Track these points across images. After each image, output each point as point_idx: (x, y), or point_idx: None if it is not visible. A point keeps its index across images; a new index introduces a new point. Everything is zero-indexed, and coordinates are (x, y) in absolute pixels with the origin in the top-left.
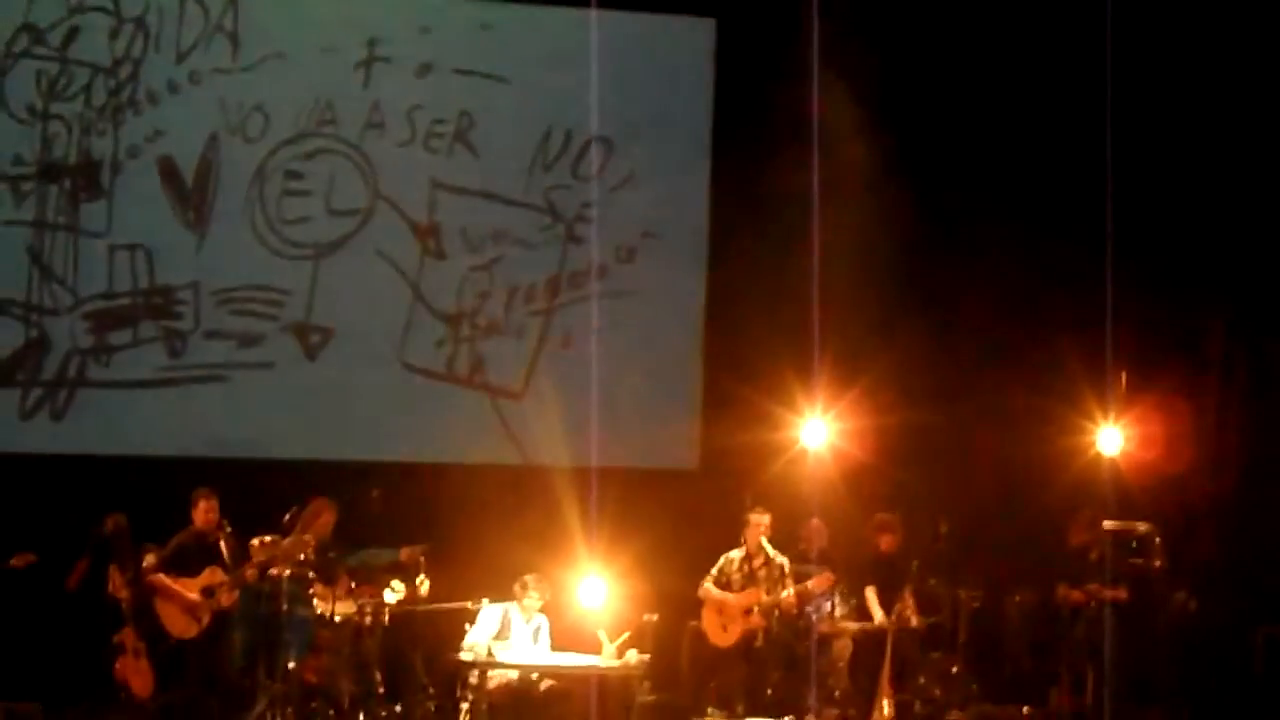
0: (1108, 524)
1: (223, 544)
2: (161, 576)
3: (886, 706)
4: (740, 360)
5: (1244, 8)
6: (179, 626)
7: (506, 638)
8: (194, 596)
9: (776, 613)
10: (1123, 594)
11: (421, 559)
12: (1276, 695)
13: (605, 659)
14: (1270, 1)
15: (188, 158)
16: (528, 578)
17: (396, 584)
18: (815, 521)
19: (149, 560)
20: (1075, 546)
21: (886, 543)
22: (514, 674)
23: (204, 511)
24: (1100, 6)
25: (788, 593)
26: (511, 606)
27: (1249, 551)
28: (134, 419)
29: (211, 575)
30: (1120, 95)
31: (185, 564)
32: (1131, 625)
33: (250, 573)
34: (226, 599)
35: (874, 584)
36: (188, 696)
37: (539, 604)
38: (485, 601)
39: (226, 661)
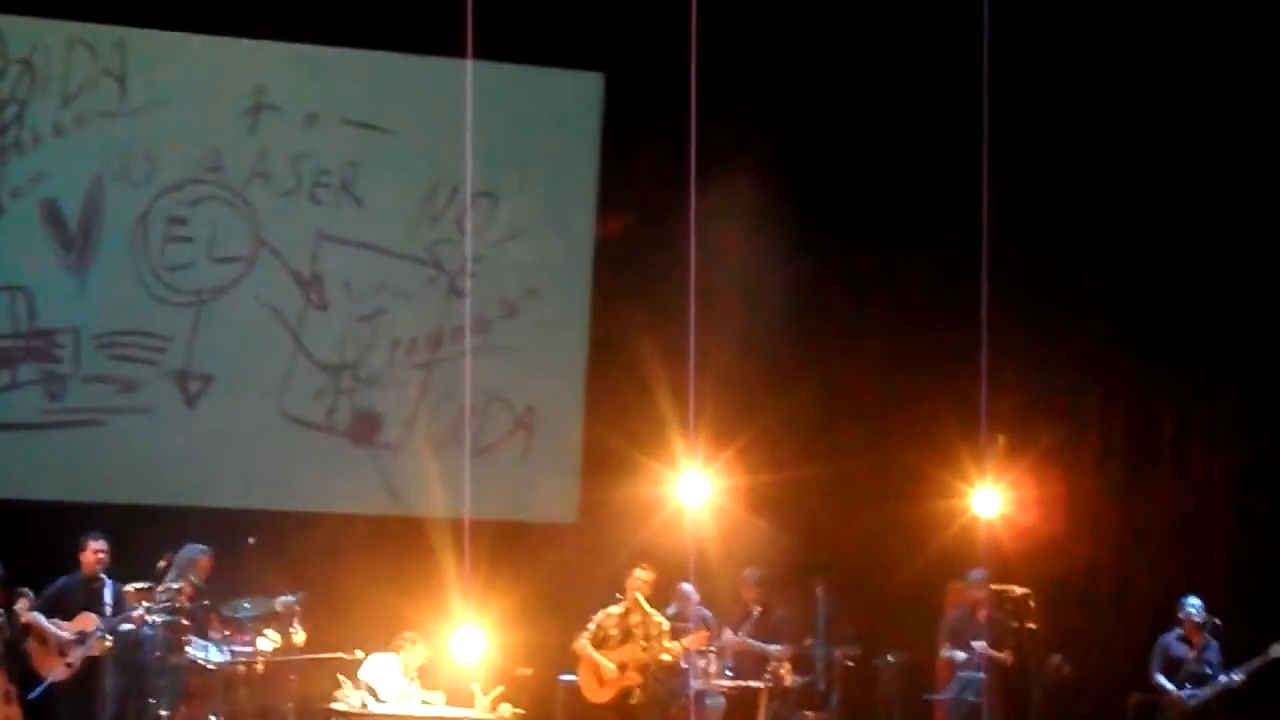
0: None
1: (106, 591)
2: (36, 616)
3: None
4: (620, 416)
5: (1123, 42)
6: (49, 667)
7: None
8: (66, 638)
9: (652, 670)
10: (1009, 656)
11: (297, 608)
12: None
13: (479, 712)
14: (1150, 37)
15: (71, 201)
16: (410, 634)
17: (271, 633)
18: (685, 585)
19: (22, 603)
20: (965, 604)
21: (751, 597)
22: None
23: (91, 555)
24: (977, 57)
25: (668, 650)
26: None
27: (1123, 616)
28: (10, 462)
29: (85, 621)
30: (997, 154)
31: (64, 607)
32: (1006, 688)
33: (126, 623)
34: (99, 648)
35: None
36: None
37: (422, 660)
38: (363, 654)
39: (97, 707)
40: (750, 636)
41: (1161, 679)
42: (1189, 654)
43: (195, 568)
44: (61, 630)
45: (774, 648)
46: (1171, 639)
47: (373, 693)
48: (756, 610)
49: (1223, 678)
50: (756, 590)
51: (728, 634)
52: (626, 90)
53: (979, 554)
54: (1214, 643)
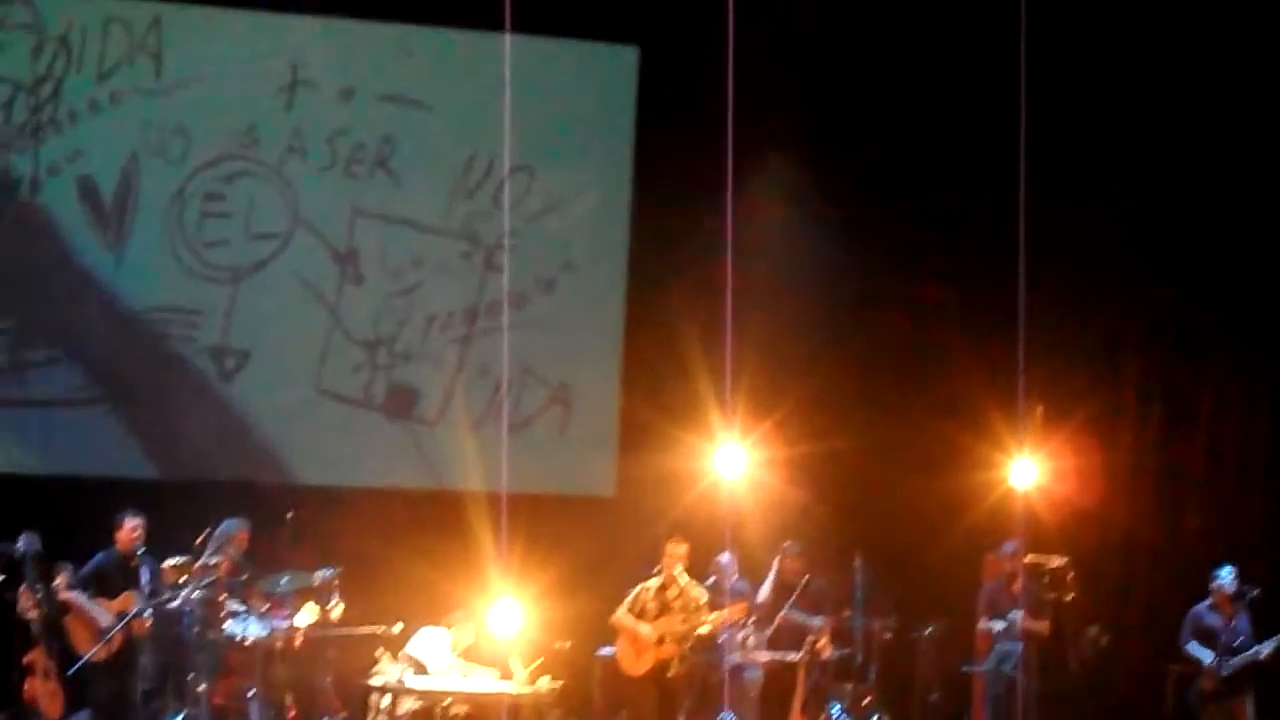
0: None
1: (144, 569)
2: (75, 595)
3: None
4: (657, 389)
5: (1162, 37)
6: (87, 645)
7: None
8: (107, 619)
9: (689, 642)
10: (1045, 627)
11: (334, 582)
12: None
13: (517, 685)
14: (1186, 35)
15: (107, 177)
16: (462, 612)
17: (309, 607)
18: (724, 555)
19: (61, 579)
20: (1002, 576)
21: (789, 570)
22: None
23: (128, 533)
24: (1015, 30)
25: (708, 622)
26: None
27: (1161, 586)
28: (49, 438)
29: (126, 601)
30: (1036, 126)
31: (104, 586)
32: (1044, 659)
33: (169, 603)
34: (140, 627)
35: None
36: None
37: (470, 640)
38: (401, 628)
39: (135, 683)
40: (791, 608)
41: (1192, 647)
42: (1221, 624)
43: (233, 542)
44: (102, 610)
45: (815, 620)
46: (1204, 609)
47: (420, 666)
48: (801, 582)
49: (1252, 650)
50: (798, 562)
51: (763, 594)
52: (663, 64)
53: (1016, 525)
54: (1246, 613)
